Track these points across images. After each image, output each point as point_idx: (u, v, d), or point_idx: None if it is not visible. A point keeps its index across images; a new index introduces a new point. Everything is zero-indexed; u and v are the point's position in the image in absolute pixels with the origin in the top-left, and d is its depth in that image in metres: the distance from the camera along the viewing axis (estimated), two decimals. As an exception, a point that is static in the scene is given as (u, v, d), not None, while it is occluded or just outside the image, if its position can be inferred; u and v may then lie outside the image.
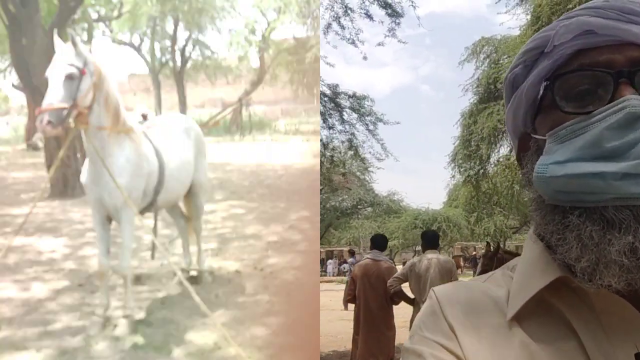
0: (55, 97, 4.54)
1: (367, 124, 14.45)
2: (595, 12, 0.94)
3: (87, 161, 5.16)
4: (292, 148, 26.84)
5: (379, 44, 13.31)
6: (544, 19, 10.05)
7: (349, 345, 8.34)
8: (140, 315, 5.57)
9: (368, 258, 7.30)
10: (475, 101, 21.25)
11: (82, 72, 4.66)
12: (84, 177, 5.20)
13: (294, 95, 26.38)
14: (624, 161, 0.82)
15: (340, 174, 19.23)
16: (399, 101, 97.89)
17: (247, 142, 27.67)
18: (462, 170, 24.62)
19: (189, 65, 28.48)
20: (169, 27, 27.91)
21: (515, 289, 0.98)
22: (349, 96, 14.22)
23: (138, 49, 28.45)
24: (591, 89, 0.90)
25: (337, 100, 14.01)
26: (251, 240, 8.55)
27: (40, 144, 25.17)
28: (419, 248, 40.90)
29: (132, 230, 5.36)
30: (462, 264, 34.84)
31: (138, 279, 6.59)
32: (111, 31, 26.58)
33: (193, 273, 6.63)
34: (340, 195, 24.47)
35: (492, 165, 21.97)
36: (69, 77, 4.60)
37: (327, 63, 15.00)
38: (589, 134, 0.86)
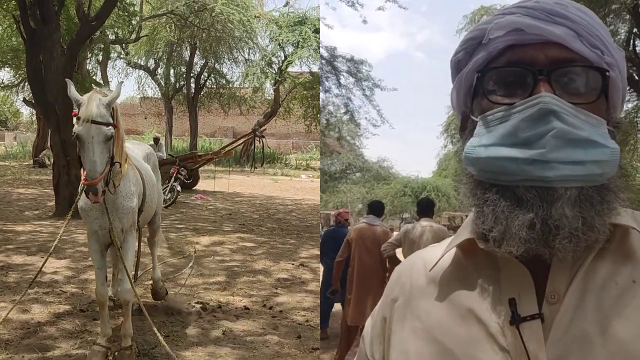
0: (100, 165, 4.32)
1: (363, 89, 14.24)
2: (526, 11, 1.08)
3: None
4: (302, 183, 26.79)
5: (379, 9, 13.24)
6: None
7: (337, 306, 8.56)
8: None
9: (364, 222, 7.36)
10: (471, 71, 21.57)
11: (115, 126, 4.48)
12: (85, 205, 4.84)
13: (306, 130, 26.26)
14: (534, 149, 0.99)
15: (335, 138, 19.05)
16: (392, 67, 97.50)
17: (258, 175, 27.60)
18: (455, 140, 24.72)
19: (202, 92, 28.40)
20: (186, 54, 27.98)
21: (443, 250, 1.20)
22: (347, 60, 13.99)
23: (152, 73, 28.51)
24: (515, 82, 1.06)
25: (335, 63, 13.82)
26: (260, 275, 8.31)
27: (48, 162, 25.15)
28: (406, 215, 40.98)
29: (134, 254, 5.25)
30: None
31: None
32: (127, 54, 26.60)
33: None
34: (330, 159, 24.35)
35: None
36: (108, 139, 4.39)
37: (326, 25, 14.79)
38: (509, 124, 1.02)
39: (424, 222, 6.83)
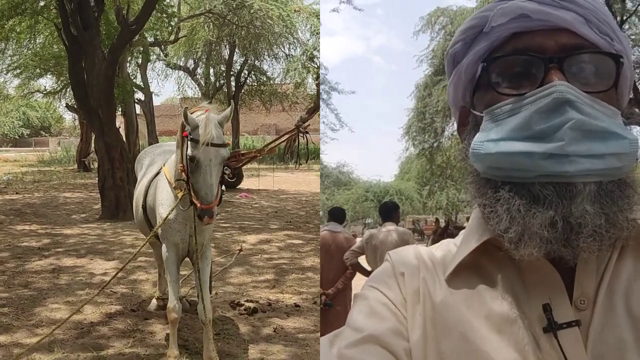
0: (216, 187, 4.33)
1: (320, 93, 14.10)
2: None
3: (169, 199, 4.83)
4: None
5: (333, 10, 13.22)
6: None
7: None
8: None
9: (326, 230, 7.13)
10: (430, 73, 20.96)
11: (227, 145, 4.39)
12: (175, 219, 4.77)
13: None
14: (550, 142, 0.92)
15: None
16: (348, 72, 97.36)
17: (302, 171, 27.53)
18: (416, 143, 24.41)
19: (243, 90, 28.33)
20: (225, 53, 27.91)
21: (455, 253, 1.12)
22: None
23: (192, 73, 28.56)
24: (524, 72, 1.00)
25: None
26: (309, 272, 8.28)
27: (92, 165, 25.48)
28: (369, 220, 40.26)
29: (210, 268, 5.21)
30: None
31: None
32: (166, 55, 26.74)
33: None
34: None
35: (447, 139, 21.76)
36: (225, 159, 4.32)
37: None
38: (520, 116, 0.96)
39: (388, 227, 6.64)
